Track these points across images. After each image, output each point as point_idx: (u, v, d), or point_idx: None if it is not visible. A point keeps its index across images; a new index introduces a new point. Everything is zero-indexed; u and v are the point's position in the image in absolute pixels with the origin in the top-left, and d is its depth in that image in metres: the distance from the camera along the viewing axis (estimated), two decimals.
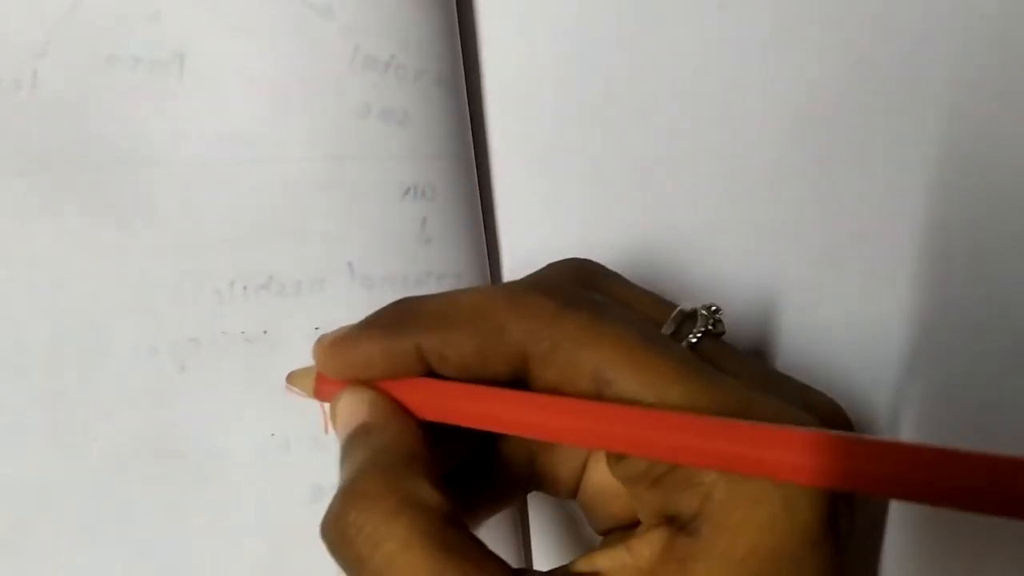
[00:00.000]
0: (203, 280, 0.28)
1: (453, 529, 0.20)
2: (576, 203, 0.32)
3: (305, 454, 0.29)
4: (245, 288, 0.28)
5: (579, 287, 0.23)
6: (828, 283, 0.33)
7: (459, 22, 0.31)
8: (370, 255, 0.29)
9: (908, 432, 0.33)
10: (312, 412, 0.29)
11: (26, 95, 0.27)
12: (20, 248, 0.27)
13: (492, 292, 0.22)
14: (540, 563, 0.33)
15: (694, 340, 0.23)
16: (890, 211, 0.33)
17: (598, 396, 0.21)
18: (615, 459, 0.22)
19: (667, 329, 0.23)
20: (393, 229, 0.29)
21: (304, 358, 0.29)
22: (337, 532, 0.21)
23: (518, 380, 0.22)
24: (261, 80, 0.28)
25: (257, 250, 0.28)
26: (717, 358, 0.22)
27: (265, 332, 0.29)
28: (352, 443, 0.23)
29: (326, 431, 0.29)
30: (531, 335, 0.21)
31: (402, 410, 0.23)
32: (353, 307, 0.29)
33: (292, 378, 0.26)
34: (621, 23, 0.32)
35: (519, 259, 0.32)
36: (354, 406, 0.24)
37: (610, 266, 0.30)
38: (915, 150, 0.32)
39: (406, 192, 0.29)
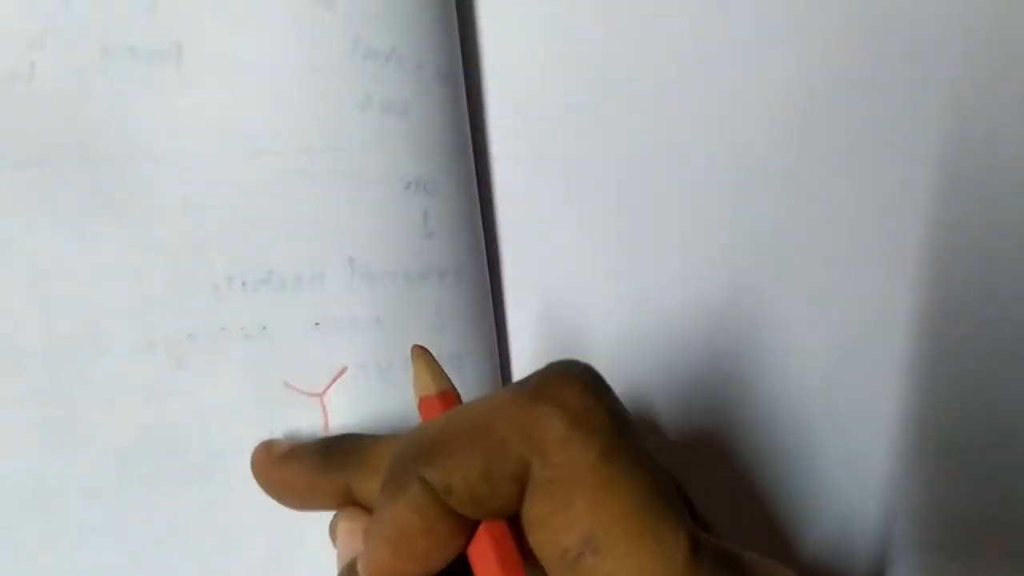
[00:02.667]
0: (201, 275, 0.28)
1: None
2: (574, 197, 0.32)
3: None
4: (244, 283, 0.28)
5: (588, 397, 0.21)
6: (828, 283, 0.33)
7: (458, 16, 0.31)
8: (371, 249, 0.28)
9: (908, 432, 0.33)
10: (312, 409, 0.28)
11: (23, 87, 0.27)
12: (16, 241, 0.27)
13: (494, 403, 0.21)
14: None
15: None
16: (890, 211, 0.33)
17: (573, 563, 0.19)
18: None
19: None
20: (394, 223, 0.29)
21: (304, 353, 0.28)
22: None
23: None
24: (260, 71, 0.28)
25: (256, 244, 0.28)
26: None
27: (264, 327, 0.28)
28: None
29: (326, 428, 0.29)
30: (535, 456, 0.20)
31: None
32: (354, 302, 0.28)
33: (415, 350, 0.24)
34: (619, 17, 0.32)
35: (518, 253, 0.32)
36: (354, 536, 0.23)
37: (609, 262, 0.30)
38: (915, 149, 0.32)
39: (407, 186, 0.29)
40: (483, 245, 0.32)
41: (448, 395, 0.23)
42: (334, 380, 0.28)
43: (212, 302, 0.28)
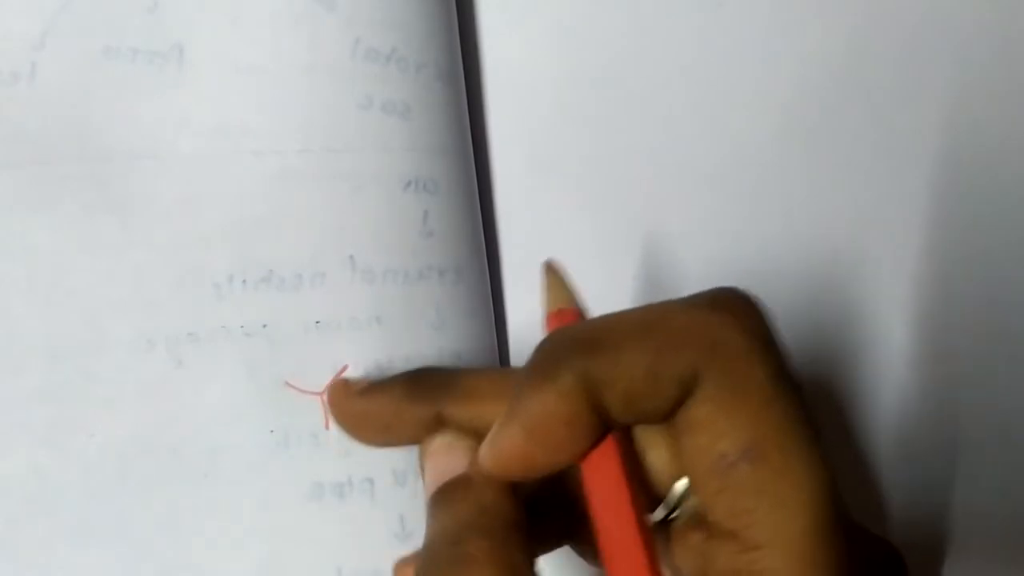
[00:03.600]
0: (202, 274, 0.28)
1: None
2: (574, 197, 0.32)
3: (305, 451, 0.29)
4: (245, 282, 0.28)
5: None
6: (828, 283, 0.33)
7: (459, 16, 0.31)
8: (371, 248, 0.29)
9: (908, 432, 0.33)
10: (312, 408, 0.28)
11: (24, 87, 0.27)
12: (17, 241, 0.27)
13: (663, 306, 0.21)
14: None
15: None
16: (890, 210, 0.33)
17: (728, 470, 0.20)
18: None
19: None
20: (395, 222, 0.29)
21: (304, 352, 0.28)
22: None
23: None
24: (261, 72, 0.28)
25: (257, 243, 0.28)
26: None
27: (265, 326, 0.28)
28: (450, 494, 0.21)
29: (326, 427, 0.29)
30: (708, 361, 0.20)
31: None
32: (354, 300, 0.29)
33: (547, 266, 0.24)
34: (620, 18, 0.32)
35: (518, 252, 0.32)
36: (453, 453, 0.22)
37: (609, 260, 0.30)
38: (915, 149, 0.32)
39: (408, 185, 0.29)
40: (483, 244, 0.32)
41: (580, 315, 0.23)
42: (334, 379, 0.29)
43: (212, 301, 0.28)
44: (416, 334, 0.29)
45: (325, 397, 0.28)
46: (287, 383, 0.28)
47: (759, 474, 0.20)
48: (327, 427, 0.28)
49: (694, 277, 0.33)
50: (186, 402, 0.28)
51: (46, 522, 0.27)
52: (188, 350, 0.28)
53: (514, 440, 0.21)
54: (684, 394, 0.20)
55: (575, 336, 0.21)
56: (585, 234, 0.32)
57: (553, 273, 0.24)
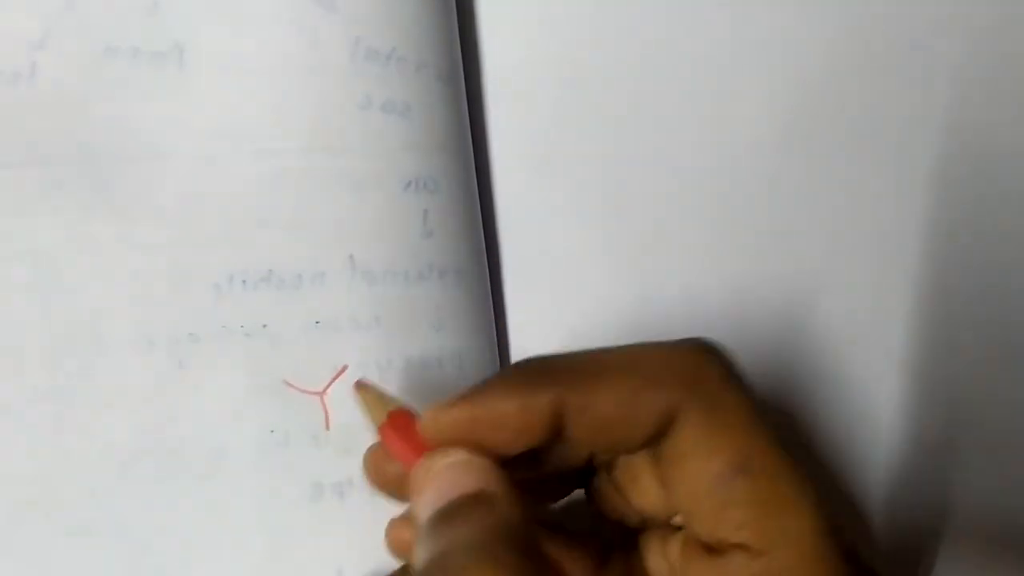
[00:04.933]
0: (202, 274, 0.28)
1: None
2: (575, 196, 0.32)
3: (305, 451, 0.29)
4: (245, 282, 0.28)
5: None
6: (828, 283, 0.33)
7: (459, 16, 0.31)
8: (371, 248, 0.29)
9: (908, 432, 0.33)
10: (312, 408, 0.29)
11: (25, 87, 0.27)
12: (18, 241, 0.27)
13: (643, 345, 0.22)
14: None
15: None
16: (890, 210, 0.33)
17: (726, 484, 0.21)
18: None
19: None
20: (395, 222, 0.29)
21: (304, 352, 0.28)
22: None
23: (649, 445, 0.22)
24: (262, 72, 0.28)
25: (257, 243, 0.28)
26: None
27: (265, 326, 0.28)
28: (464, 513, 0.20)
29: (327, 427, 0.29)
30: (688, 394, 0.21)
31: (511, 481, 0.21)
32: (353, 300, 0.29)
33: (360, 389, 0.24)
34: (620, 17, 0.32)
35: (519, 252, 0.32)
36: (462, 471, 0.21)
37: (610, 261, 0.30)
38: (915, 149, 0.32)
39: (408, 185, 0.29)
40: (484, 244, 0.32)
41: (403, 411, 0.23)
42: (334, 378, 0.29)
43: (213, 301, 0.28)
44: (416, 334, 0.29)
45: (325, 397, 0.29)
46: (287, 382, 0.28)
47: (757, 484, 0.21)
48: (327, 427, 0.28)
49: (695, 278, 0.33)
50: (186, 402, 0.28)
51: (46, 521, 0.27)
52: (189, 350, 0.28)
53: (458, 423, 0.21)
54: (663, 427, 0.21)
55: (558, 363, 0.22)
56: (585, 234, 0.32)
57: (365, 388, 0.24)
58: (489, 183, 0.32)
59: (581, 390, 0.21)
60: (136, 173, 0.28)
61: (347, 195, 0.28)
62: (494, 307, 0.32)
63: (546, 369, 0.22)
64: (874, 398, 0.33)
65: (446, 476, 0.21)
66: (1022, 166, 0.32)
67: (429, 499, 0.21)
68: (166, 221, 0.28)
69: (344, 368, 0.29)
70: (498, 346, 0.32)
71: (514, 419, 0.21)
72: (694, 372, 0.22)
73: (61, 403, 0.27)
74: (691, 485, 0.21)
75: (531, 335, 0.32)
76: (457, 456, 0.21)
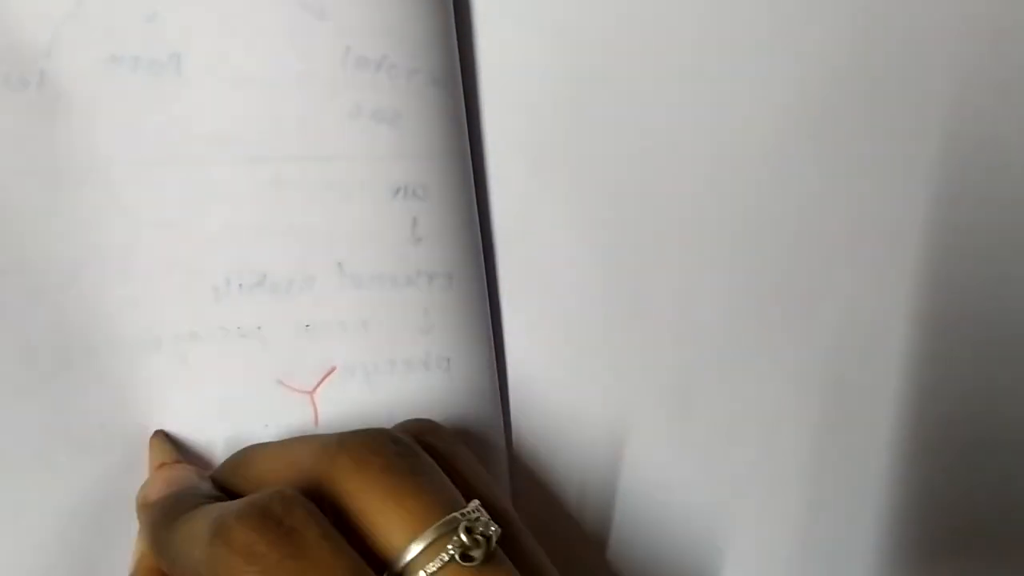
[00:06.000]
0: (202, 277, 0.29)
1: None
2: (572, 201, 0.32)
3: None
4: (241, 285, 0.29)
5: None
6: (828, 283, 0.32)
7: (456, 21, 0.31)
8: (359, 254, 0.29)
9: (908, 431, 0.32)
10: (303, 406, 0.29)
11: (34, 94, 0.28)
12: (24, 245, 0.28)
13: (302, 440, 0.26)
14: None
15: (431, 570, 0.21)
16: (890, 211, 0.32)
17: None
18: None
19: (412, 551, 0.21)
20: (383, 228, 0.29)
21: (294, 354, 0.29)
22: None
23: None
24: (255, 81, 0.28)
25: (251, 248, 0.29)
26: None
27: (259, 328, 0.29)
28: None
29: (316, 423, 0.30)
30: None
31: None
32: (341, 305, 0.29)
33: (154, 436, 0.29)
34: (618, 20, 0.31)
35: (514, 257, 0.32)
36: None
37: (607, 266, 0.30)
38: (915, 149, 0.31)
39: (396, 192, 0.29)
40: (479, 249, 0.32)
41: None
42: (323, 379, 0.29)
43: (211, 303, 0.29)
44: (403, 338, 0.30)
45: (315, 396, 0.29)
46: (280, 382, 0.29)
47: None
48: (316, 423, 0.29)
49: (692, 283, 0.33)
50: (187, 401, 0.29)
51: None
52: (190, 349, 0.29)
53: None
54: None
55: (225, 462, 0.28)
56: (582, 239, 0.32)
57: (157, 437, 0.29)
58: (485, 187, 0.32)
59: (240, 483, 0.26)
60: (141, 178, 0.29)
61: (335, 202, 0.29)
62: (490, 312, 0.32)
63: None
64: (874, 398, 0.32)
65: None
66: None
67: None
68: (168, 225, 0.29)
69: (333, 369, 0.29)
70: (494, 351, 0.32)
71: None
72: (332, 466, 0.23)
73: (69, 399, 0.28)
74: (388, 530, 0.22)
75: (527, 340, 0.33)
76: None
